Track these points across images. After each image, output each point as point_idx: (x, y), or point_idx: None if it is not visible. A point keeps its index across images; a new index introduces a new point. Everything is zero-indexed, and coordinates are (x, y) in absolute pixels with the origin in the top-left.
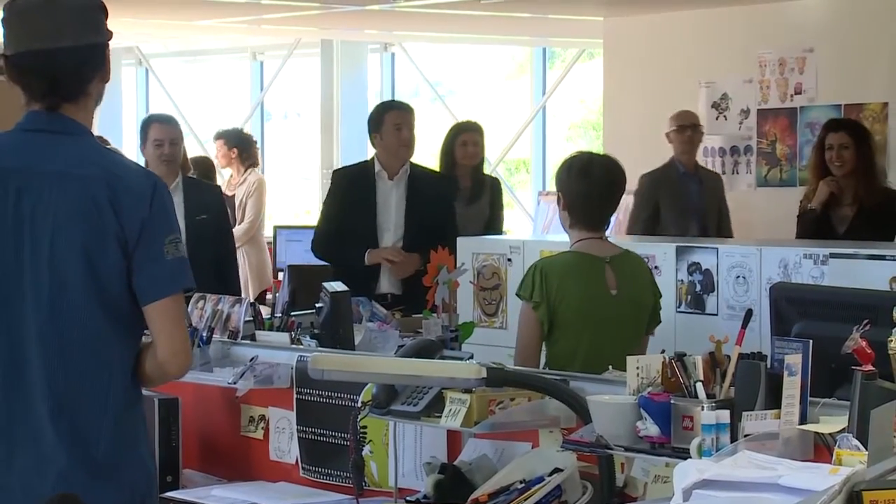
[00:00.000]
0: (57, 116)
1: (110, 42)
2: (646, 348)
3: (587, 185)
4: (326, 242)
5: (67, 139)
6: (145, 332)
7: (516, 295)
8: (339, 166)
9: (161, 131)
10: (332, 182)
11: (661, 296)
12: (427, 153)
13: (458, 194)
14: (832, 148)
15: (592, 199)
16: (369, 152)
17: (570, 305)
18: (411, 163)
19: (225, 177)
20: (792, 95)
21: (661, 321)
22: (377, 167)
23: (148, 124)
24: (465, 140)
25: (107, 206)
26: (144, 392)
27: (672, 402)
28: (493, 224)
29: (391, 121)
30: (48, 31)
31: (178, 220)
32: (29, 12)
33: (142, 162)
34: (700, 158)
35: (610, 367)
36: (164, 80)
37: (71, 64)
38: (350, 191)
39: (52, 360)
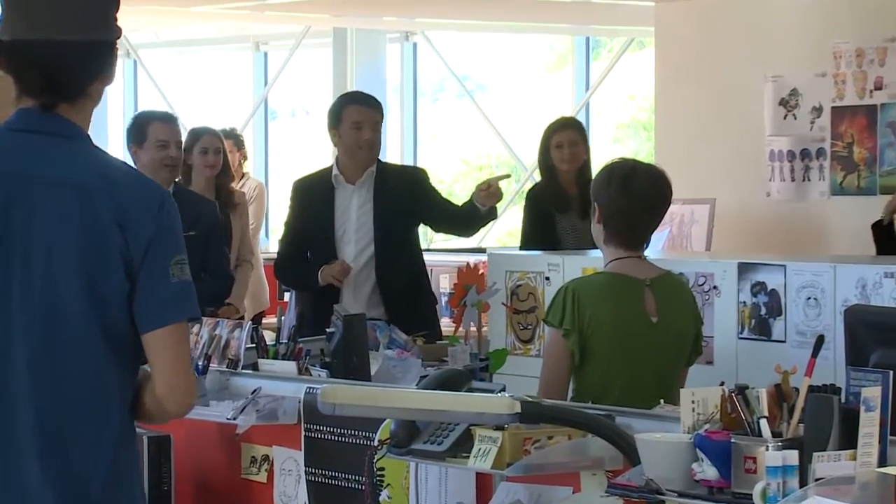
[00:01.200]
0: (52, 116)
1: (118, 39)
2: (684, 382)
3: (628, 197)
4: (285, 265)
5: (64, 143)
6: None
7: (543, 321)
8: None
9: (165, 131)
10: (291, 196)
11: (703, 323)
12: (453, 156)
13: (566, 206)
14: None
15: (633, 215)
16: (390, 155)
17: (604, 334)
18: (379, 163)
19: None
20: (871, 91)
21: (701, 352)
22: (335, 171)
23: (147, 122)
24: (559, 141)
25: (110, 220)
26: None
27: (732, 441)
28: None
29: (350, 117)
30: (53, 21)
31: None
32: None
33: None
34: (765, 163)
35: (661, 401)
36: (155, 73)
37: (74, 60)
38: (308, 202)
39: (44, 394)
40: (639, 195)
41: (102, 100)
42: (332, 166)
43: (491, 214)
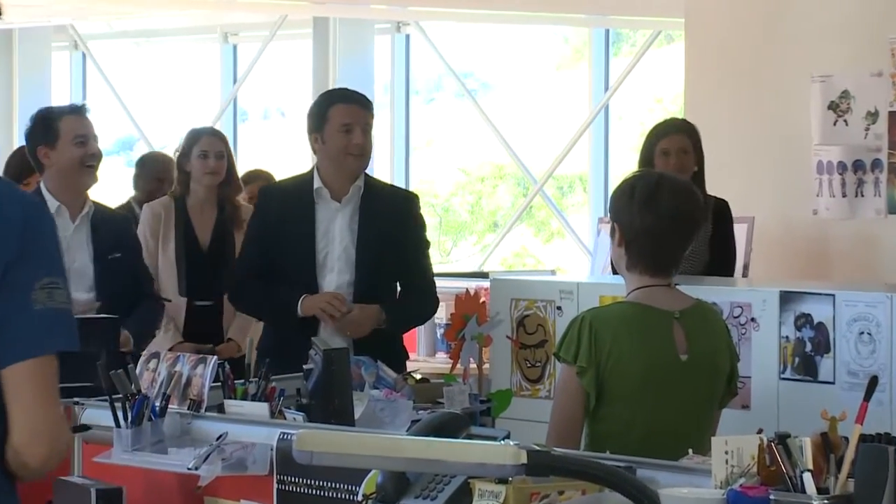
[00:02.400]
0: None
1: None
2: (716, 428)
3: (654, 217)
4: (247, 289)
5: None
6: None
7: (554, 355)
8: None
9: (81, 125)
10: (257, 206)
11: (738, 359)
12: (451, 165)
13: None
14: None
15: (659, 236)
16: (379, 164)
17: (625, 373)
18: (367, 177)
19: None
20: None
21: (736, 393)
22: (316, 183)
23: (57, 118)
24: (666, 147)
25: None
26: (78, 480)
27: (772, 498)
28: (718, 267)
29: (338, 118)
30: None
31: (86, 260)
32: None
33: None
34: (812, 176)
35: (690, 451)
36: (106, 67)
37: None
38: (279, 217)
39: None
40: (666, 214)
41: (45, 96)
42: (311, 177)
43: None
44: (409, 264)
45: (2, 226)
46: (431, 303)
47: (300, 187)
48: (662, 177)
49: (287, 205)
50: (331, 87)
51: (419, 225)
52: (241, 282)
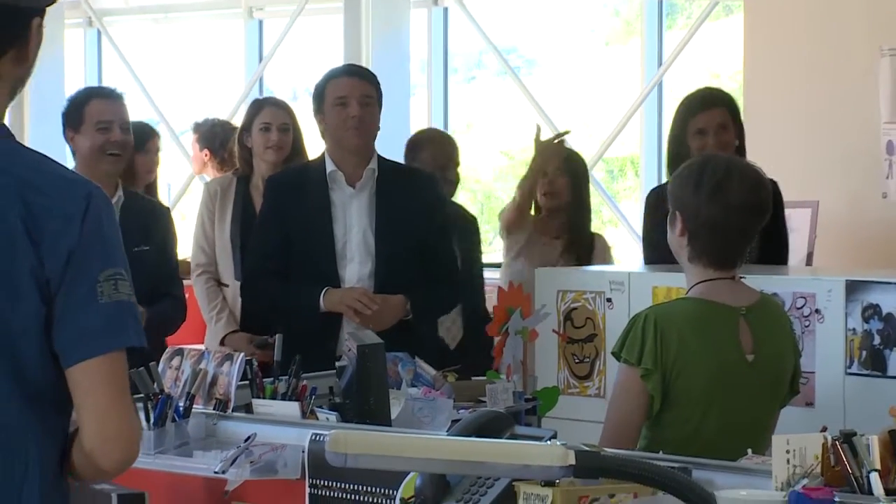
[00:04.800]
0: None
1: (44, 11)
2: (775, 427)
3: (725, 209)
4: (261, 284)
5: None
6: None
7: (612, 354)
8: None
9: (107, 110)
10: (266, 195)
11: (801, 355)
12: (493, 148)
13: None
14: None
15: (728, 229)
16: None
17: (691, 377)
18: (381, 159)
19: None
20: None
21: (799, 391)
22: (329, 167)
23: (85, 101)
24: (702, 126)
25: (20, 229)
26: (100, 485)
27: (836, 500)
28: (772, 254)
29: (333, 92)
30: None
31: None
32: None
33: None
34: (881, 156)
35: (749, 450)
36: (123, 46)
37: None
38: (292, 205)
39: None
40: (737, 206)
41: (59, 76)
42: (322, 161)
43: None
44: (430, 250)
45: (64, 214)
46: (455, 291)
47: (311, 173)
48: (730, 164)
49: (300, 192)
50: (364, 65)
51: (440, 207)
52: (253, 279)
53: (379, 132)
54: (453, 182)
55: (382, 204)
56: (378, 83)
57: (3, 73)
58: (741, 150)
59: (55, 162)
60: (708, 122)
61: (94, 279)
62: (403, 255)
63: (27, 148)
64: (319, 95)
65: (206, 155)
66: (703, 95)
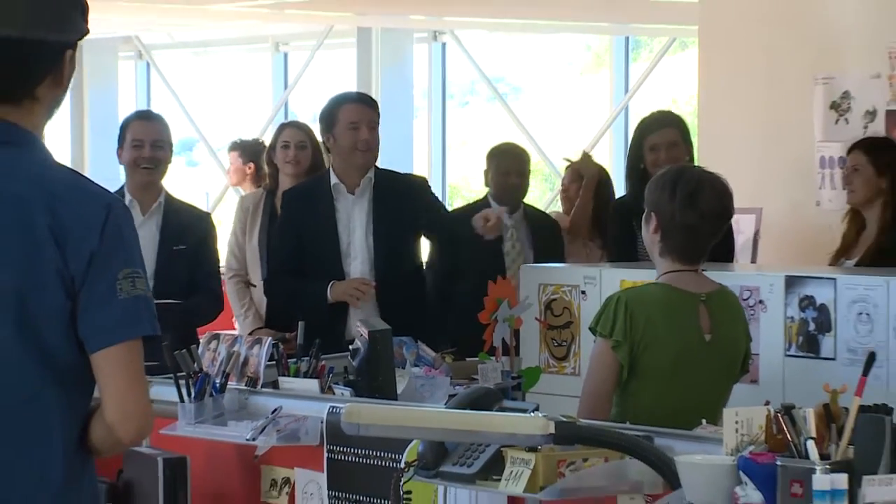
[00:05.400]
0: None
1: (82, 38)
2: (727, 401)
3: (696, 215)
4: (280, 283)
5: (6, 150)
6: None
7: (590, 329)
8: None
9: (141, 130)
10: (282, 206)
11: (751, 340)
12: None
13: None
14: None
15: (696, 231)
16: (417, 161)
17: (656, 352)
18: (377, 169)
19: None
20: None
21: (749, 370)
22: (333, 179)
23: (127, 122)
24: (655, 142)
25: (47, 235)
26: (146, 450)
27: (778, 463)
28: (720, 253)
29: (346, 117)
30: None
31: (150, 249)
32: None
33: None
34: (815, 170)
35: (703, 420)
36: (168, 75)
37: (12, 57)
38: (304, 214)
39: None
40: (706, 213)
41: (113, 103)
42: (328, 175)
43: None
44: (437, 219)
45: (86, 221)
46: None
47: (319, 186)
48: (702, 176)
49: (309, 202)
50: (374, 93)
51: (433, 206)
52: (274, 277)
53: (387, 147)
54: (516, 186)
55: (379, 207)
56: (378, 109)
57: (40, 95)
58: (691, 163)
59: (82, 176)
60: (660, 140)
61: (113, 277)
62: (398, 251)
63: (59, 164)
64: (331, 118)
65: (249, 168)
66: (657, 117)
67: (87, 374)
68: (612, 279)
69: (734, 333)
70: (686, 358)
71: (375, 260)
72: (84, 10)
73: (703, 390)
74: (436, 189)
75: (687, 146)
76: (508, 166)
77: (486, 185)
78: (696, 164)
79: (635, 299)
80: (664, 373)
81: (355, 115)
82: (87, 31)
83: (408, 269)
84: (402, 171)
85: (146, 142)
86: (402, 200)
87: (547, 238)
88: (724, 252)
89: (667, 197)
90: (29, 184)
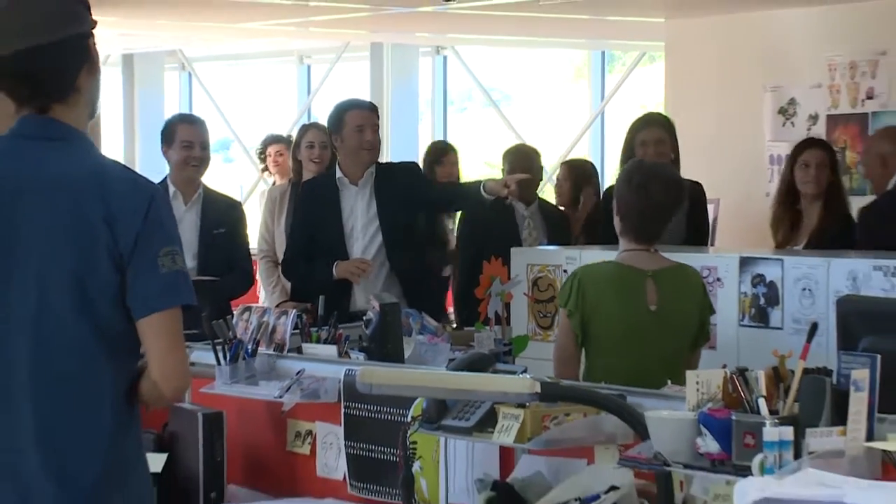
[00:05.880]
0: (48, 121)
1: (94, 30)
2: (697, 363)
3: (644, 200)
4: (295, 264)
5: (58, 146)
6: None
7: (557, 301)
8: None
9: (190, 133)
10: (298, 198)
11: (712, 312)
12: (479, 160)
13: None
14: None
15: (647, 215)
16: (420, 160)
17: (604, 319)
18: (377, 164)
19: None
20: (863, 101)
21: (709, 338)
22: (338, 174)
23: (175, 125)
24: (644, 139)
25: (99, 219)
26: (189, 406)
27: (733, 418)
28: (695, 239)
29: (353, 121)
30: (19, 31)
31: (193, 235)
32: None
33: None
34: (766, 166)
35: (668, 381)
36: (208, 84)
37: (50, 61)
38: (315, 203)
39: (40, 390)
40: (654, 199)
41: (160, 108)
42: (335, 171)
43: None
44: (434, 192)
45: (132, 206)
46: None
47: (328, 180)
48: (655, 171)
49: (320, 194)
50: (385, 99)
51: (427, 185)
52: (290, 260)
53: (395, 146)
54: (528, 182)
55: (380, 195)
56: (378, 113)
57: (81, 85)
58: (677, 159)
59: (128, 168)
60: (649, 137)
61: (155, 254)
62: (402, 230)
63: (106, 157)
64: (339, 122)
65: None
66: (647, 118)
67: (134, 339)
68: (591, 259)
69: (684, 306)
70: (634, 326)
71: (384, 234)
72: (87, 5)
73: (656, 354)
74: None
75: (673, 143)
76: (521, 164)
77: None
78: (653, 164)
79: (587, 274)
80: (615, 338)
81: (360, 119)
82: (95, 22)
83: (413, 239)
84: None
85: (196, 143)
86: (398, 185)
87: (557, 227)
88: (699, 238)
89: (624, 185)
90: (83, 175)
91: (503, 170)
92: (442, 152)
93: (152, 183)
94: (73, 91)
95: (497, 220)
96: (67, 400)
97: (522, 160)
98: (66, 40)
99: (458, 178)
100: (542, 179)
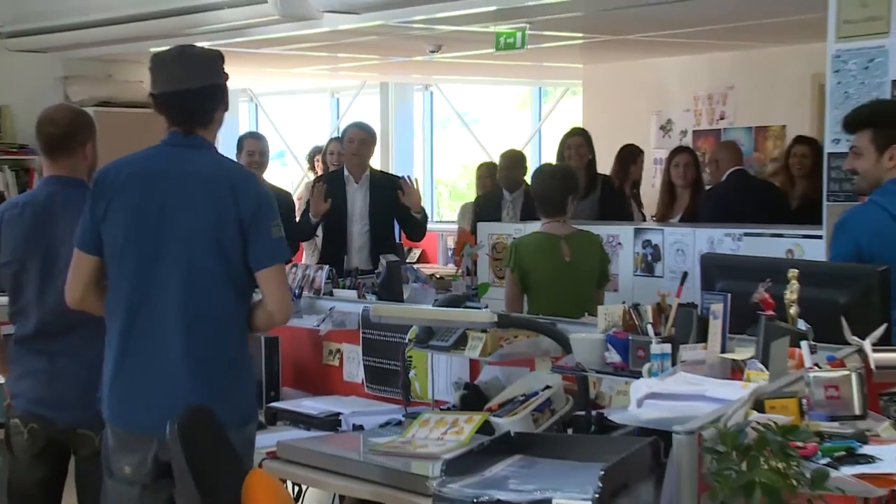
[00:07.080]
0: (191, 136)
1: (228, 82)
2: (603, 300)
3: (542, 187)
4: (305, 230)
5: (199, 151)
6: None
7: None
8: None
9: (252, 145)
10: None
11: (609, 262)
12: (456, 162)
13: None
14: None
15: (546, 197)
16: (416, 164)
17: (536, 271)
18: (371, 168)
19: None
20: (717, 120)
21: (609, 279)
22: (345, 172)
23: (243, 139)
24: (569, 144)
25: (229, 197)
26: (255, 335)
27: (630, 338)
28: (612, 216)
29: (348, 136)
30: (182, 77)
31: None
32: (167, 62)
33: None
34: (652, 166)
35: (586, 314)
36: (269, 112)
37: (200, 99)
38: (330, 194)
39: (188, 319)
40: (548, 186)
41: (235, 132)
42: (342, 169)
43: (424, 217)
44: (402, 213)
45: (250, 190)
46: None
47: (339, 177)
48: (550, 167)
49: (334, 187)
50: (390, 124)
51: (397, 199)
52: (301, 227)
53: (396, 156)
54: (514, 176)
55: (373, 192)
56: (372, 132)
57: (217, 118)
58: (593, 161)
59: (243, 167)
60: (573, 143)
61: (269, 224)
62: (384, 218)
63: (230, 160)
64: (343, 135)
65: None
66: (572, 130)
67: (249, 287)
68: (530, 231)
69: (587, 256)
70: (556, 273)
71: (371, 224)
72: (223, 60)
73: (573, 293)
74: (425, 181)
75: (590, 147)
76: (512, 164)
77: (498, 177)
78: (549, 164)
79: (521, 241)
80: (543, 284)
81: (352, 135)
82: (227, 75)
83: (389, 230)
84: (405, 171)
85: (256, 152)
86: (386, 189)
87: (532, 207)
88: (614, 214)
89: (533, 180)
90: (215, 171)
91: (499, 169)
92: (635, 154)
93: (258, 177)
94: (211, 121)
95: (487, 204)
96: (207, 325)
97: (512, 160)
98: (212, 86)
99: (640, 178)
100: (524, 173)
